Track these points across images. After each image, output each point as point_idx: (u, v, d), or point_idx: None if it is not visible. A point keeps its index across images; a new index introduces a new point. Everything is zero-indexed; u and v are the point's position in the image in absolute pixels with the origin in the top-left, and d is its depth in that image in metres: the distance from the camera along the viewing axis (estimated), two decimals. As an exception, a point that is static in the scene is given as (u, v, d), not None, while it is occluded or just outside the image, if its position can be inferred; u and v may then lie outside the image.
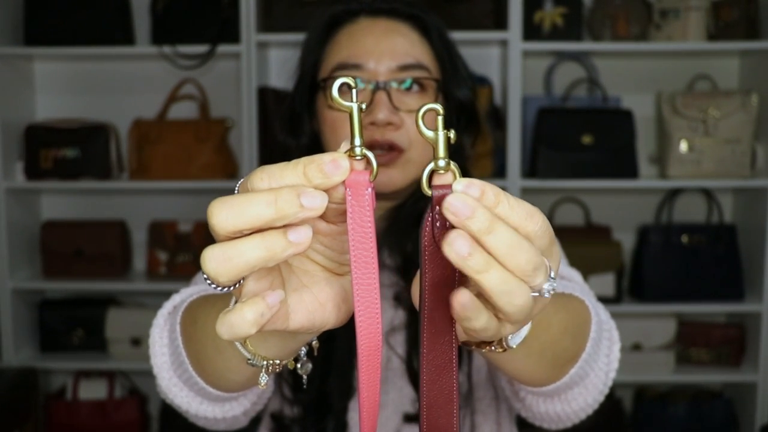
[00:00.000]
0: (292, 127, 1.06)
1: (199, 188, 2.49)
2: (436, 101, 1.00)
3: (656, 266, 2.41)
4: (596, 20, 2.40)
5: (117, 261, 2.53)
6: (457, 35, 1.12)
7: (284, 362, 0.61)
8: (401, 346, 1.00)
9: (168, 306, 0.87)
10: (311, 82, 1.03)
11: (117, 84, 2.64)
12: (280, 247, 0.45)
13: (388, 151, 0.96)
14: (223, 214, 0.45)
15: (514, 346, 0.55)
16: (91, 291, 2.62)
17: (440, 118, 0.47)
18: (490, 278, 0.44)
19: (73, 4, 2.38)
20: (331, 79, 0.99)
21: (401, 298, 1.00)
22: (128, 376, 2.59)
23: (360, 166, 0.47)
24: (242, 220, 0.44)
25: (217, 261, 0.45)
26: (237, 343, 0.62)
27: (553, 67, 2.54)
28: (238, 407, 0.88)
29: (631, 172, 2.36)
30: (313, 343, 0.64)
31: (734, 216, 2.59)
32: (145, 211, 2.64)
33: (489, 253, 0.44)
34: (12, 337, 2.46)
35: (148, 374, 0.84)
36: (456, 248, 0.44)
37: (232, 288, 0.48)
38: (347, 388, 0.98)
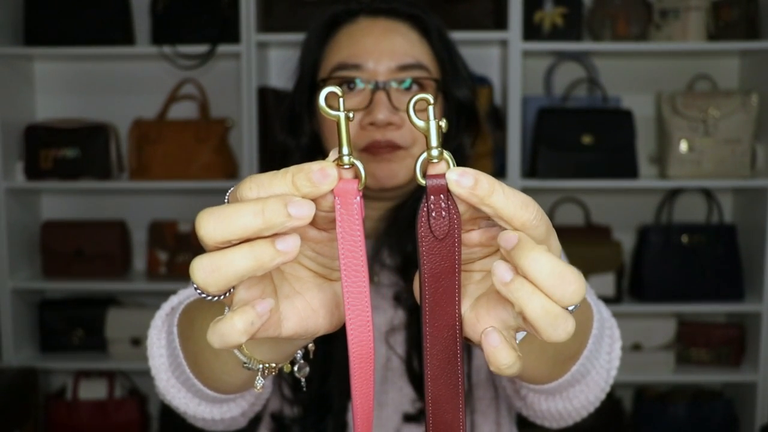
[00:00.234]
0: (292, 128, 1.06)
1: (199, 188, 2.49)
2: (435, 101, 1.00)
3: (656, 266, 2.41)
4: (596, 20, 2.40)
5: (117, 261, 2.53)
6: (457, 35, 1.12)
7: (280, 365, 0.61)
8: (401, 345, 1.00)
9: (166, 307, 0.87)
10: (311, 83, 1.03)
11: (117, 84, 2.64)
12: (268, 256, 0.45)
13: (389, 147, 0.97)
14: (211, 224, 0.45)
15: (518, 340, 0.55)
16: (91, 291, 2.62)
17: (431, 108, 0.47)
18: (533, 305, 0.45)
19: (73, 4, 2.38)
20: (331, 80, 0.99)
21: (401, 298, 1.00)
22: (128, 376, 2.59)
23: (349, 174, 0.47)
24: (230, 231, 0.45)
25: (205, 271, 0.45)
26: None
27: (553, 67, 2.54)
28: (236, 408, 0.88)
29: (631, 172, 2.36)
30: (310, 346, 0.64)
31: (734, 216, 2.59)
32: (145, 211, 2.64)
33: (533, 283, 0.45)
34: (12, 337, 2.46)
35: (148, 374, 0.84)
36: (499, 275, 0.45)
37: (222, 297, 0.48)
38: (347, 388, 0.98)
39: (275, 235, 0.46)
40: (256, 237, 0.45)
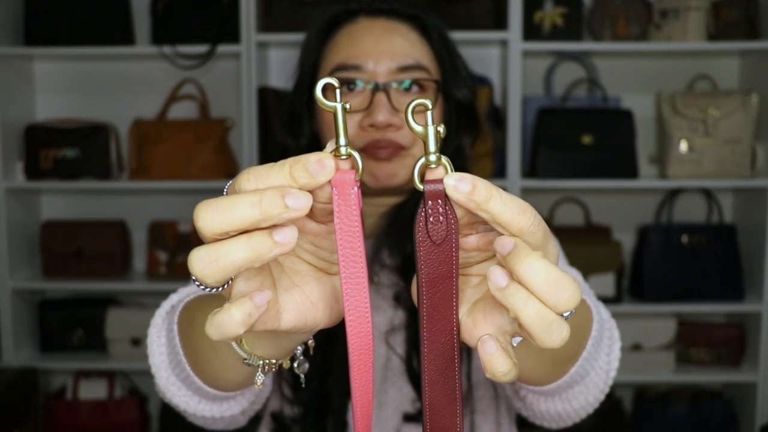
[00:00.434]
0: (292, 128, 1.06)
1: (199, 188, 2.49)
2: (435, 102, 1.00)
3: (656, 266, 2.41)
4: (596, 20, 2.40)
5: (117, 261, 2.53)
6: (457, 35, 1.12)
7: (280, 361, 0.61)
8: (401, 345, 1.00)
9: (166, 306, 0.87)
10: (311, 83, 1.03)
11: (117, 84, 2.64)
12: (266, 247, 0.45)
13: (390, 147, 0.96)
14: (209, 216, 0.45)
15: (515, 345, 0.55)
16: (91, 291, 2.62)
17: (429, 113, 0.47)
18: (528, 311, 0.45)
19: (73, 4, 2.38)
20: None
21: (401, 298, 1.00)
22: (128, 376, 2.59)
23: (346, 165, 0.47)
24: (227, 222, 0.45)
25: (203, 262, 0.46)
26: (233, 343, 0.62)
27: (553, 67, 2.54)
28: (236, 406, 0.88)
29: (631, 172, 2.36)
30: (309, 342, 0.64)
31: (734, 216, 2.59)
32: (145, 211, 2.64)
33: (527, 289, 0.45)
34: (12, 337, 2.46)
35: (148, 374, 0.84)
36: (494, 280, 0.46)
37: (220, 289, 0.49)
38: (347, 387, 0.98)
39: (273, 227, 0.46)
40: (254, 228, 0.45)
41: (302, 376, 0.68)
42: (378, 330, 0.99)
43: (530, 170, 2.40)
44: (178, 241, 2.51)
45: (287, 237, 0.46)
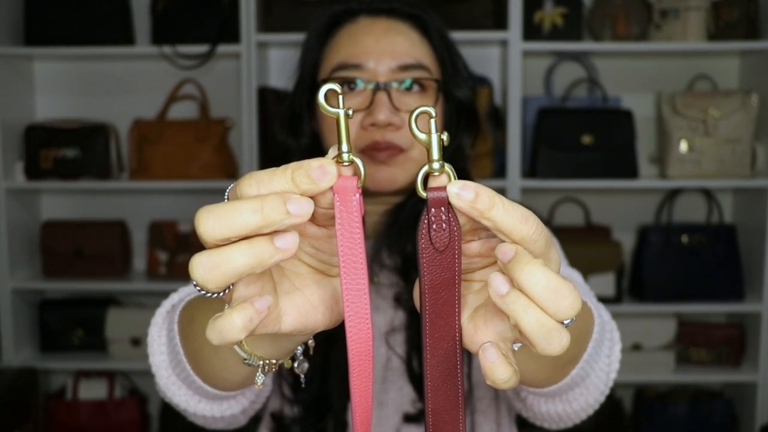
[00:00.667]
0: (292, 128, 1.06)
1: (199, 188, 2.49)
2: (436, 101, 1.00)
3: (656, 266, 2.41)
4: (596, 20, 2.40)
5: (117, 261, 2.53)
6: (457, 35, 1.12)
7: (280, 362, 0.61)
8: (401, 346, 1.00)
9: (166, 305, 0.87)
10: (311, 83, 1.03)
11: (117, 84, 2.64)
12: (267, 253, 0.45)
13: (389, 150, 0.96)
14: (210, 222, 0.45)
15: (516, 349, 0.55)
16: (91, 291, 2.62)
17: (433, 121, 0.47)
18: (528, 319, 0.46)
19: (73, 4, 2.38)
20: (331, 80, 0.99)
21: (401, 299, 1.00)
22: (128, 376, 2.59)
23: (348, 171, 0.47)
24: (229, 228, 0.45)
25: (205, 268, 0.46)
26: None
27: (553, 67, 2.54)
28: (236, 406, 0.88)
29: (631, 172, 2.36)
30: (309, 342, 0.64)
31: (734, 216, 2.59)
32: (145, 211, 2.64)
33: (528, 297, 0.45)
34: (12, 337, 2.46)
35: (148, 374, 0.84)
36: (495, 286, 0.46)
37: (221, 294, 0.49)
38: (347, 387, 0.98)
39: (274, 233, 0.46)
40: (255, 234, 0.45)
41: (302, 375, 0.68)
42: (378, 330, 0.99)
43: (530, 170, 2.40)
44: (178, 241, 2.51)
45: (288, 243, 0.46)
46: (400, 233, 1.00)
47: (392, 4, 1.02)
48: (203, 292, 0.48)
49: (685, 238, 2.42)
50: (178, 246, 2.51)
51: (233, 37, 2.36)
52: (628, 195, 2.62)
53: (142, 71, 2.61)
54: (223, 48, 2.36)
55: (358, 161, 0.47)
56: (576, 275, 0.97)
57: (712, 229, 2.44)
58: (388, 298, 1.01)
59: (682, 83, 2.56)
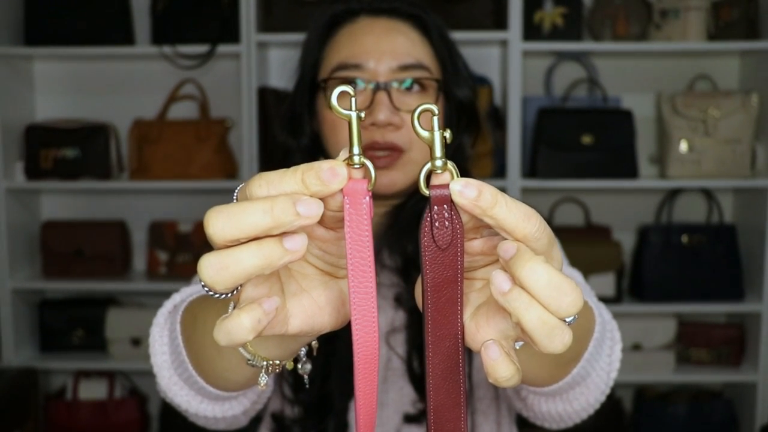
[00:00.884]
0: (293, 128, 1.06)
1: (199, 188, 2.49)
2: (436, 101, 1.00)
3: (656, 266, 2.41)
4: (596, 20, 2.40)
5: (117, 261, 2.52)
6: (457, 35, 1.12)
7: (284, 362, 0.61)
8: (402, 346, 1.00)
9: (168, 305, 0.87)
10: (311, 83, 1.03)
11: (117, 84, 2.64)
12: (276, 255, 0.45)
13: (388, 153, 0.96)
14: (220, 223, 0.45)
15: (518, 347, 0.55)
16: (91, 291, 2.62)
17: (435, 119, 0.47)
18: (530, 316, 0.45)
19: (73, 4, 2.38)
20: (331, 80, 0.99)
21: (402, 299, 1.00)
22: (128, 376, 2.59)
23: (358, 174, 0.47)
24: (239, 229, 0.45)
25: (214, 269, 0.45)
26: None
27: (553, 67, 2.54)
28: (237, 406, 0.88)
29: (631, 172, 2.36)
30: (313, 343, 0.64)
31: (734, 216, 2.59)
32: (145, 211, 2.64)
33: (530, 294, 0.45)
34: (12, 337, 2.46)
35: (148, 374, 0.84)
36: (497, 284, 0.46)
37: (229, 294, 0.48)
38: (348, 388, 0.98)
39: (283, 234, 0.46)
40: (264, 235, 0.45)
41: (306, 376, 0.68)
42: (379, 330, 0.99)
43: (530, 170, 2.40)
44: (178, 241, 2.51)
45: (297, 245, 0.46)
46: (400, 233, 1.00)
47: (392, 3, 1.02)
48: (211, 293, 0.48)
49: (685, 238, 2.42)
50: (178, 246, 2.51)
51: (233, 37, 2.36)
52: (628, 195, 2.62)
53: (142, 71, 2.61)
54: (223, 48, 2.36)
55: (369, 164, 0.47)
56: (577, 275, 0.97)
57: (712, 229, 2.44)
58: (388, 299, 1.01)
59: (682, 83, 2.56)
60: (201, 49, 2.37)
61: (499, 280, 0.46)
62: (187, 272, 2.43)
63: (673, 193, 2.52)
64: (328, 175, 0.45)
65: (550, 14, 2.37)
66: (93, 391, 2.49)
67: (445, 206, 0.48)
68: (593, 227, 2.55)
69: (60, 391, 2.55)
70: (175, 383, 0.82)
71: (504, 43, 2.39)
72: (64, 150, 2.43)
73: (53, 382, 2.67)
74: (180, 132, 2.44)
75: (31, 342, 2.58)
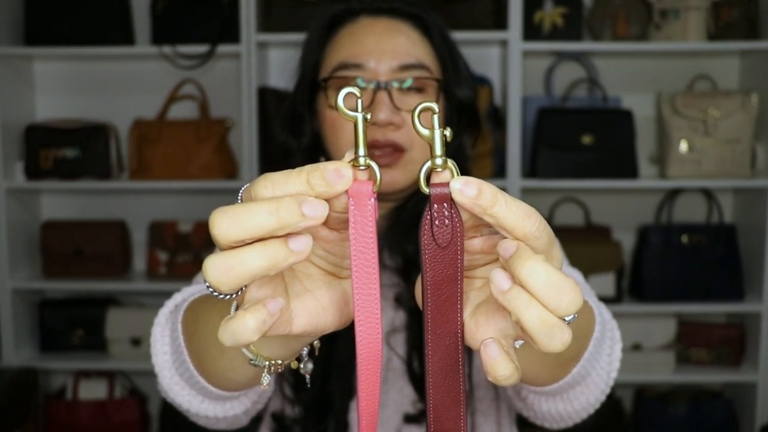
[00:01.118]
0: (293, 127, 1.06)
1: (199, 188, 2.49)
2: (437, 101, 1.00)
3: (656, 266, 2.41)
4: (596, 20, 2.40)
5: (117, 261, 2.53)
6: (457, 35, 1.12)
7: (286, 362, 0.61)
8: (402, 346, 1.00)
9: (170, 305, 0.87)
10: (312, 82, 1.03)
11: (117, 84, 2.64)
12: (281, 256, 0.45)
13: (390, 152, 0.96)
14: (225, 224, 0.45)
15: (517, 346, 0.55)
16: (91, 291, 2.62)
17: (436, 117, 0.47)
18: (530, 315, 0.45)
19: (73, 4, 2.38)
20: (332, 79, 0.99)
21: (402, 299, 1.00)
22: (128, 376, 2.59)
23: (363, 176, 0.47)
24: (244, 230, 0.45)
25: (219, 270, 0.45)
26: None
27: (553, 67, 2.54)
28: (239, 406, 0.88)
29: (631, 172, 2.36)
30: (315, 343, 0.64)
31: (734, 216, 2.59)
32: (145, 211, 2.64)
33: (529, 293, 0.45)
34: (12, 337, 2.46)
35: (148, 374, 0.84)
36: (497, 283, 0.46)
37: (234, 295, 0.49)
38: (348, 388, 0.98)
39: (288, 235, 0.46)
40: (269, 236, 0.45)
41: (308, 376, 0.68)
42: (382, 332, 0.99)
43: (530, 170, 2.40)
44: (178, 241, 2.51)
45: (302, 246, 0.46)
46: (400, 234, 1.00)
47: (393, 3, 1.02)
48: (216, 294, 0.48)
49: (685, 238, 2.42)
50: (178, 246, 2.51)
51: (233, 37, 2.36)
52: (628, 195, 2.62)
53: (142, 71, 2.61)
54: (223, 48, 2.36)
55: (375, 165, 0.47)
56: (577, 274, 0.97)
57: (712, 229, 2.44)
58: (388, 299, 1.01)
59: (682, 83, 2.56)
60: (201, 49, 2.37)
61: (499, 278, 0.46)
62: (187, 272, 2.43)
63: (673, 193, 2.52)
64: (333, 177, 0.46)
65: (550, 14, 2.37)
66: (93, 391, 2.49)
67: (445, 204, 0.48)
68: (593, 227, 2.55)
69: (60, 391, 2.55)
70: (176, 383, 0.82)
71: (504, 43, 2.39)
72: (64, 150, 2.43)
73: (53, 382, 2.67)
74: (180, 132, 2.44)
75: (31, 342, 2.58)
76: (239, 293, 0.49)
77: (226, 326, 0.47)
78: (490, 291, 0.51)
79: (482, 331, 0.50)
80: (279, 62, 2.53)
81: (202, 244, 2.49)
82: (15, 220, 2.48)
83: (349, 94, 0.47)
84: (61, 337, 2.54)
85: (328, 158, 1.02)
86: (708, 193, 2.54)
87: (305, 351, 0.65)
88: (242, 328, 0.47)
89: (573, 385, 0.82)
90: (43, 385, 2.59)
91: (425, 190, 0.48)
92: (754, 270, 2.40)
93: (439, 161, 0.47)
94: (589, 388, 0.85)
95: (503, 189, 0.47)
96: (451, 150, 1.03)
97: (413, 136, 0.97)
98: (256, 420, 1.02)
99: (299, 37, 1.11)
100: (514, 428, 1.07)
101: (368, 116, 0.47)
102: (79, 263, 2.50)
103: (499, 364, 0.47)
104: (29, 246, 2.57)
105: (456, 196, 0.46)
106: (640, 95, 2.56)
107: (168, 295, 0.90)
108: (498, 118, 2.43)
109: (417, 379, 0.98)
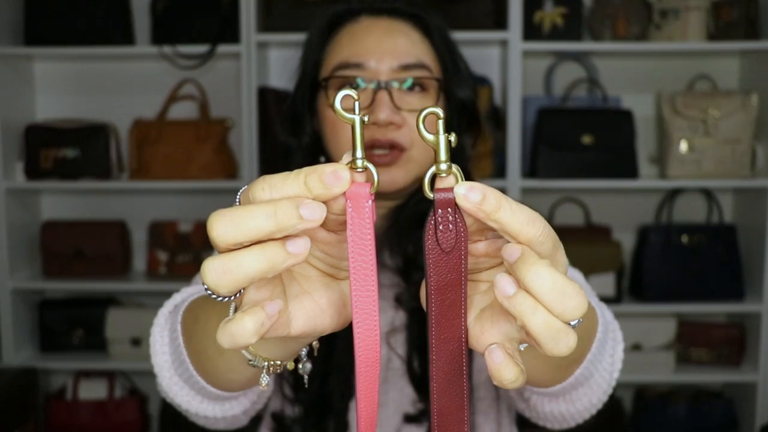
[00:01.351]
0: (294, 127, 1.06)
1: (199, 188, 2.49)
2: (437, 101, 1.00)
3: (656, 266, 2.41)
4: (596, 20, 2.40)
5: (117, 261, 2.52)
6: (457, 35, 1.12)
7: (285, 363, 0.61)
8: (402, 346, 1.00)
9: (169, 305, 0.87)
10: (312, 82, 1.03)
11: (117, 84, 2.64)
12: (279, 258, 0.45)
13: (390, 151, 0.97)
14: (223, 227, 0.45)
15: (522, 349, 0.55)
16: (91, 291, 2.62)
17: (441, 122, 0.47)
18: (536, 320, 0.45)
19: (73, 4, 2.38)
20: (332, 79, 0.99)
21: (402, 299, 1.00)
22: (128, 376, 2.59)
23: (361, 178, 0.47)
24: (242, 233, 0.45)
25: (217, 273, 0.46)
26: None
27: (553, 67, 2.54)
28: (238, 406, 0.88)
29: (631, 172, 2.36)
30: (314, 343, 0.64)
31: (734, 216, 2.59)
32: (145, 211, 2.64)
33: (534, 298, 0.45)
34: (12, 337, 2.46)
35: (148, 374, 0.84)
36: (501, 288, 0.46)
37: (232, 298, 0.49)
38: (348, 388, 0.98)
39: (286, 237, 0.46)
40: (267, 239, 0.45)
41: (306, 376, 0.68)
42: (380, 333, 0.99)
43: (530, 170, 2.40)
44: (178, 241, 2.51)
45: (300, 248, 0.46)
46: (400, 234, 1.00)
47: (394, 4, 1.02)
48: (214, 296, 0.48)
49: (685, 238, 2.42)
50: (178, 246, 2.51)
51: (233, 37, 2.36)
52: (628, 195, 2.62)
53: (142, 71, 2.61)
54: (223, 48, 2.36)
55: (372, 168, 0.47)
56: (578, 275, 0.97)
57: (712, 229, 2.44)
58: (388, 299, 1.01)
59: (682, 83, 2.56)
60: (201, 49, 2.37)
61: (504, 283, 0.46)
62: (187, 272, 2.43)
63: (673, 193, 2.52)
64: (330, 179, 0.46)
65: (550, 14, 2.37)
66: (93, 391, 2.49)
67: (449, 210, 0.48)
68: (593, 227, 2.55)
69: (60, 391, 2.55)
70: (175, 383, 0.82)
71: (504, 43, 2.39)
72: (64, 150, 2.43)
73: (53, 382, 2.67)
74: (180, 132, 2.44)
75: (31, 342, 2.58)
76: (237, 295, 0.49)
77: (224, 329, 0.47)
78: (494, 295, 0.51)
79: (487, 335, 0.50)
80: (279, 62, 2.53)
81: (202, 244, 2.49)
82: (15, 220, 2.48)
83: (346, 96, 0.47)
84: (61, 337, 2.54)
85: (329, 158, 1.02)
86: (708, 193, 2.54)
87: (304, 351, 0.65)
88: (240, 330, 0.47)
89: (576, 386, 0.82)
90: (43, 385, 2.59)
91: (429, 195, 0.48)
92: (754, 270, 2.40)
93: (443, 167, 0.47)
94: (592, 388, 0.85)
95: (503, 189, 0.47)
96: (452, 151, 1.03)
97: (413, 135, 0.97)
98: (256, 420, 1.02)
99: (299, 37, 1.11)
100: (514, 428, 1.07)
101: (366, 118, 0.47)
102: (79, 263, 2.50)
103: (504, 369, 0.47)
104: (29, 246, 2.57)
105: (460, 202, 0.46)
106: (640, 95, 2.56)
107: (168, 295, 0.90)
108: (498, 118, 2.43)
109: (417, 379, 0.98)
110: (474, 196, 0.46)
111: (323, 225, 0.50)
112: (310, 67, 1.03)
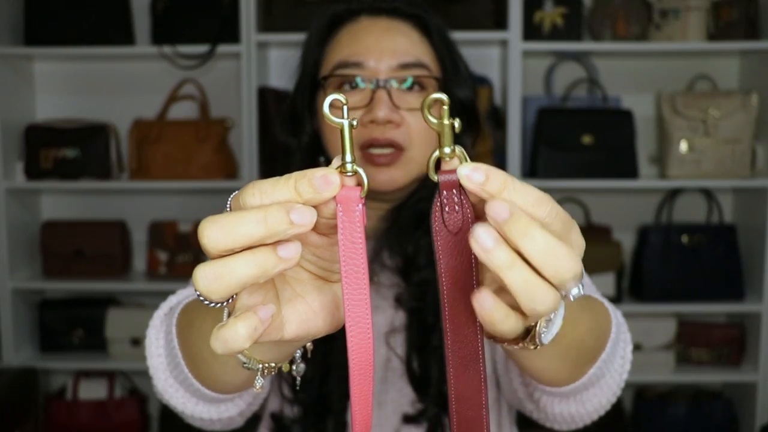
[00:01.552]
0: (293, 127, 1.06)
1: (199, 188, 2.49)
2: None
3: (656, 266, 2.41)
4: (596, 20, 2.40)
5: (117, 261, 2.52)
6: (457, 35, 1.12)
7: (279, 365, 0.61)
8: (401, 346, 1.00)
9: (164, 307, 0.87)
10: (312, 82, 1.03)
11: (117, 84, 2.64)
12: (271, 263, 0.46)
13: (389, 151, 0.97)
14: (214, 233, 0.45)
15: (547, 343, 0.53)
16: (91, 291, 2.62)
17: (446, 108, 0.47)
18: (514, 277, 0.44)
19: (73, 4, 2.38)
20: (332, 77, 0.99)
21: (401, 299, 1.00)
22: (128, 376, 2.59)
23: (351, 182, 0.47)
24: (233, 239, 0.45)
25: (208, 279, 0.46)
26: None
27: (553, 67, 2.54)
28: (233, 408, 0.88)
29: (631, 172, 2.36)
30: (308, 345, 0.64)
31: (734, 216, 2.59)
32: (145, 211, 2.64)
33: (526, 260, 0.44)
34: (12, 337, 2.46)
35: (148, 374, 0.84)
36: (480, 241, 0.43)
37: (225, 303, 0.49)
38: (347, 388, 0.98)
39: (277, 242, 0.46)
40: (258, 244, 0.46)
41: (299, 378, 0.68)
42: (378, 330, 0.99)
43: (530, 170, 2.40)
44: (178, 241, 2.51)
45: (291, 252, 0.46)
46: (400, 234, 1.00)
47: (393, 3, 1.02)
48: (207, 302, 0.48)
49: (685, 238, 2.42)
50: (178, 246, 2.51)
51: (233, 37, 2.36)
52: (628, 195, 2.62)
53: (142, 71, 2.61)
54: (223, 48, 2.36)
55: (362, 172, 0.47)
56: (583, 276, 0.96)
57: (712, 229, 2.44)
58: (388, 299, 1.01)
59: (682, 83, 2.56)
60: (201, 49, 2.37)
61: (483, 236, 0.44)
62: (187, 272, 2.43)
63: (673, 193, 2.52)
64: (320, 183, 0.46)
65: (550, 14, 2.37)
66: (93, 391, 2.49)
67: (454, 191, 0.48)
68: (593, 227, 2.55)
69: (60, 391, 2.55)
70: (170, 385, 0.83)
71: (504, 43, 2.39)
72: (64, 150, 2.43)
73: (53, 382, 2.67)
74: (180, 132, 2.44)
75: (31, 342, 2.58)
76: (230, 301, 0.49)
77: (217, 334, 0.47)
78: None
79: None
80: (279, 62, 2.53)
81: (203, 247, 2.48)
82: (15, 220, 2.48)
83: (336, 100, 0.47)
84: (61, 337, 2.54)
85: (328, 158, 1.02)
86: (708, 193, 2.54)
87: (298, 353, 0.65)
88: (233, 336, 0.47)
89: (588, 386, 0.82)
90: (43, 385, 2.59)
91: (434, 177, 0.48)
92: (754, 270, 2.40)
93: (447, 150, 0.47)
94: (603, 389, 0.85)
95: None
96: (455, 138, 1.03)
97: (412, 134, 0.97)
98: (255, 420, 1.02)
99: (299, 37, 1.11)
100: (515, 428, 1.07)
101: (354, 123, 0.47)
102: (79, 263, 2.50)
103: (495, 312, 0.46)
104: (29, 246, 2.57)
105: (464, 182, 0.46)
106: (640, 95, 2.56)
107: (168, 295, 0.90)
108: (498, 118, 2.43)
109: (416, 380, 0.98)
110: (477, 177, 0.45)
111: (314, 228, 0.50)
112: (310, 66, 1.03)
